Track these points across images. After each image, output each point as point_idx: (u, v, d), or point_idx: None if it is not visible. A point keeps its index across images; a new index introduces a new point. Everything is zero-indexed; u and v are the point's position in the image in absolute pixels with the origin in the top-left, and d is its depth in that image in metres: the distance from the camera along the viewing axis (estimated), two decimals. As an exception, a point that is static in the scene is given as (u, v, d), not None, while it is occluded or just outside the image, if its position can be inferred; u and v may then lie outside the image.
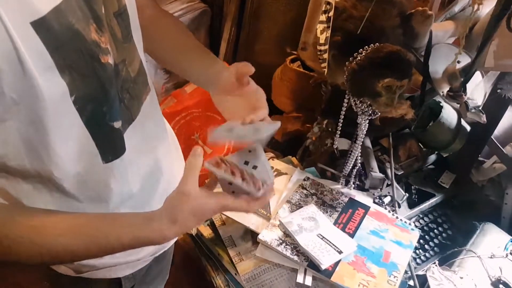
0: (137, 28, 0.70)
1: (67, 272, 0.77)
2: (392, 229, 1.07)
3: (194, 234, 1.14)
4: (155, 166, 0.82)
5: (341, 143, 1.26)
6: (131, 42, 0.68)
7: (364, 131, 1.03)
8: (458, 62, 1.14)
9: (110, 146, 0.67)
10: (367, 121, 1.02)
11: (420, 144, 1.33)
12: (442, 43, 1.18)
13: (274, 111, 1.95)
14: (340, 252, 0.97)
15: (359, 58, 0.92)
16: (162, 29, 0.83)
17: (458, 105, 0.98)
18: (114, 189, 0.71)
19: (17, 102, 0.52)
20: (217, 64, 0.82)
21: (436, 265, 1.01)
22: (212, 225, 1.13)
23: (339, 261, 0.97)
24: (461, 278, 0.98)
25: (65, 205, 0.68)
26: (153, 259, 0.89)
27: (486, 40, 0.82)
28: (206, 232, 1.13)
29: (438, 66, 1.14)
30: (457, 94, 0.93)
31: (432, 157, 1.36)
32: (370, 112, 0.99)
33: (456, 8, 1.26)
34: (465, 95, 0.93)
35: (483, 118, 0.95)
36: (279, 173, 1.24)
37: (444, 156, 1.33)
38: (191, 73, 0.84)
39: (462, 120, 1.21)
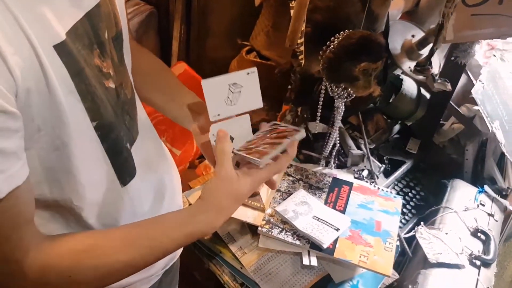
0: (128, 50, 0.71)
1: None
2: (377, 200, 1.15)
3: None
4: (160, 182, 0.83)
5: (314, 127, 1.32)
6: (123, 64, 0.69)
7: (341, 113, 1.09)
8: (413, 36, 1.23)
9: (126, 168, 0.68)
10: (343, 104, 1.08)
11: (384, 116, 1.42)
12: (395, 20, 1.26)
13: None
14: (337, 229, 1.03)
15: (332, 46, 0.96)
16: (137, 64, 0.82)
17: (425, 78, 1.06)
18: (130, 211, 0.72)
19: (40, 129, 0.52)
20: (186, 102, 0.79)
21: (422, 226, 1.10)
22: (207, 225, 1.15)
23: (337, 238, 1.03)
24: (446, 234, 1.07)
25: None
26: (163, 272, 0.90)
27: (445, 15, 0.89)
28: (203, 233, 1.15)
29: (395, 42, 1.22)
30: (424, 68, 1.01)
31: (397, 127, 1.46)
32: (346, 95, 1.04)
33: (401, -14, 1.35)
34: (431, 68, 1.02)
35: (448, 86, 1.04)
36: (262, 164, 1.27)
37: (408, 124, 1.43)
38: (166, 111, 0.84)
39: (421, 89, 1.31)
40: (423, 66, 1.01)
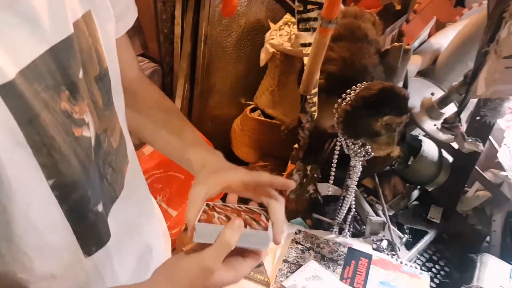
0: (119, 93, 0.61)
1: None
2: (401, 277, 0.99)
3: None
4: (145, 248, 0.69)
5: (325, 189, 1.20)
6: (111, 109, 0.58)
7: (358, 173, 0.97)
8: (432, 94, 1.14)
9: (93, 236, 0.54)
10: (360, 163, 0.96)
11: (402, 180, 1.29)
12: (412, 78, 1.18)
13: (238, 163, 1.87)
14: (357, 312, 0.87)
15: (348, 98, 0.87)
16: (143, 99, 0.72)
17: (454, 137, 0.95)
18: (97, 284, 0.58)
19: None
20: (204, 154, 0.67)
21: (456, 310, 0.93)
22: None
23: (357, 322, 0.87)
24: (486, 319, 0.91)
25: None
26: None
27: (477, 68, 0.80)
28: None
29: (414, 100, 1.13)
30: (453, 126, 0.91)
31: (416, 192, 1.33)
32: (363, 153, 0.93)
33: (416, 43, 1.29)
34: (461, 126, 0.91)
35: (480, 147, 0.93)
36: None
37: (429, 190, 1.30)
38: (176, 158, 0.72)
39: (443, 151, 1.20)
40: (452, 123, 0.91)
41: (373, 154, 0.93)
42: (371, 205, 1.20)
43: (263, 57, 1.70)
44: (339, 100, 0.89)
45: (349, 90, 0.88)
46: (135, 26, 2.01)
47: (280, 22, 1.65)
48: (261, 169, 1.79)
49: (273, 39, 1.60)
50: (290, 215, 1.23)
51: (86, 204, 0.51)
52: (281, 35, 1.62)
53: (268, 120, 1.72)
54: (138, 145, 1.77)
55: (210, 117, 1.94)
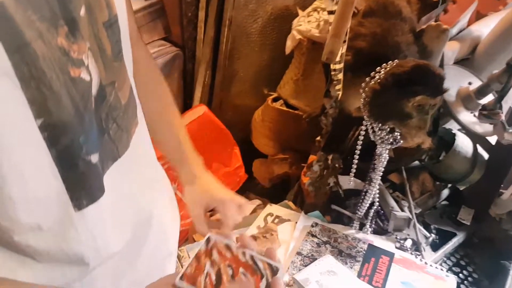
0: (128, 46, 0.56)
1: None
2: (425, 278, 0.90)
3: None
4: (143, 216, 0.64)
5: (346, 182, 1.12)
6: (121, 61, 0.54)
7: (384, 163, 0.89)
8: (470, 83, 1.05)
9: (85, 188, 0.50)
10: (387, 152, 0.88)
11: (432, 177, 1.20)
12: (449, 65, 1.09)
13: (257, 155, 1.81)
14: (375, 313, 0.79)
15: (377, 77, 0.79)
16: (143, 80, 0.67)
17: (493, 125, 0.86)
18: (89, 245, 0.53)
19: None
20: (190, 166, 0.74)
21: (487, 319, 0.84)
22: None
23: (374, 324, 0.79)
24: (521, 332, 0.81)
25: (20, 265, 0.50)
26: None
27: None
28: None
29: (450, 89, 1.04)
30: (492, 112, 0.82)
31: (445, 192, 1.23)
32: (391, 140, 0.85)
33: (454, 30, 1.20)
34: (502, 113, 0.82)
35: (523, 138, 0.83)
36: (281, 220, 1.06)
37: (461, 189, 1.20)
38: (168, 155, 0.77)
39: (478, 147, 1.10)
40: (491, 110, 0.82)
41: (401, 142, 0.84)
42: (397, 202, 1.11)
43: (289, 44, 1.63)
44: (367, 79, 0.81)
45: (379, 68, 0.80)
46: (158, 8, 1.96)
47: (309, 8, 1.57)
48: (280, 162, 1.71)
49: (300, 25, 1.52)
50: (308, 209, 1.16)
51: (77, 151, 0.46)
52: (309, 22, 1.54)
53: (290, 110, 1.65)
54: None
55: (231, 106, 1.89)
